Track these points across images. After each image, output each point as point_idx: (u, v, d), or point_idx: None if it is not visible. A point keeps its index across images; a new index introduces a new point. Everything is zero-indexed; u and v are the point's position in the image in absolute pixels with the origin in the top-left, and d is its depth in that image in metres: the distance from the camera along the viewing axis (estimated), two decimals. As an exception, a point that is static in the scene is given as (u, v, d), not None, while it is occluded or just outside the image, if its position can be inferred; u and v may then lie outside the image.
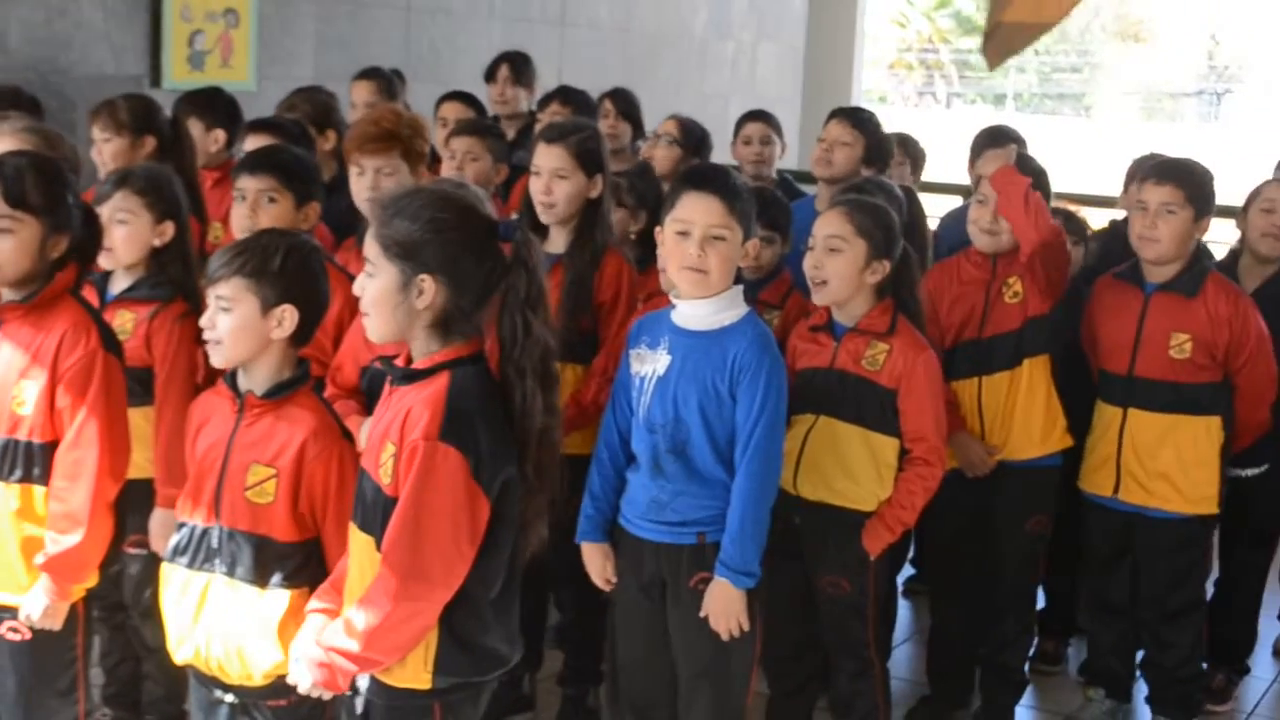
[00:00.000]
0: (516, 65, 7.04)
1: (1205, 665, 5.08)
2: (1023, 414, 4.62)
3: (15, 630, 3.53)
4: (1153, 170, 4.73)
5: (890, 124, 6.60)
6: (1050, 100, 48.33)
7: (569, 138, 4.47)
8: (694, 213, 3.63)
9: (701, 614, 3.66)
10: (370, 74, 6.75)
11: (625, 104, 6.64)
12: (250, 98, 6.67)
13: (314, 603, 3.15)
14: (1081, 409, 4.73)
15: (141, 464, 3.91)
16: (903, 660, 5.43)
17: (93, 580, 3.59)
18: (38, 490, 3.51)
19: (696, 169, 4.11)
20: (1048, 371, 4.63)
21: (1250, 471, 5.00)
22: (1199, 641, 4.86)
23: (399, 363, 3.06)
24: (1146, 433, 4.65)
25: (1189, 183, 4.63)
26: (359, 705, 3.08)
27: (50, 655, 3.58)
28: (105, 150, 5.02)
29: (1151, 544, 4.75)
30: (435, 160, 5.42)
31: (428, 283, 2.96)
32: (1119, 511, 4.75)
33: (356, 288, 3.04)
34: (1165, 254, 4.62)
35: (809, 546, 4.16)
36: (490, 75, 7.07)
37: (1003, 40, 7.05)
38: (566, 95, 6.49)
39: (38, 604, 3.48)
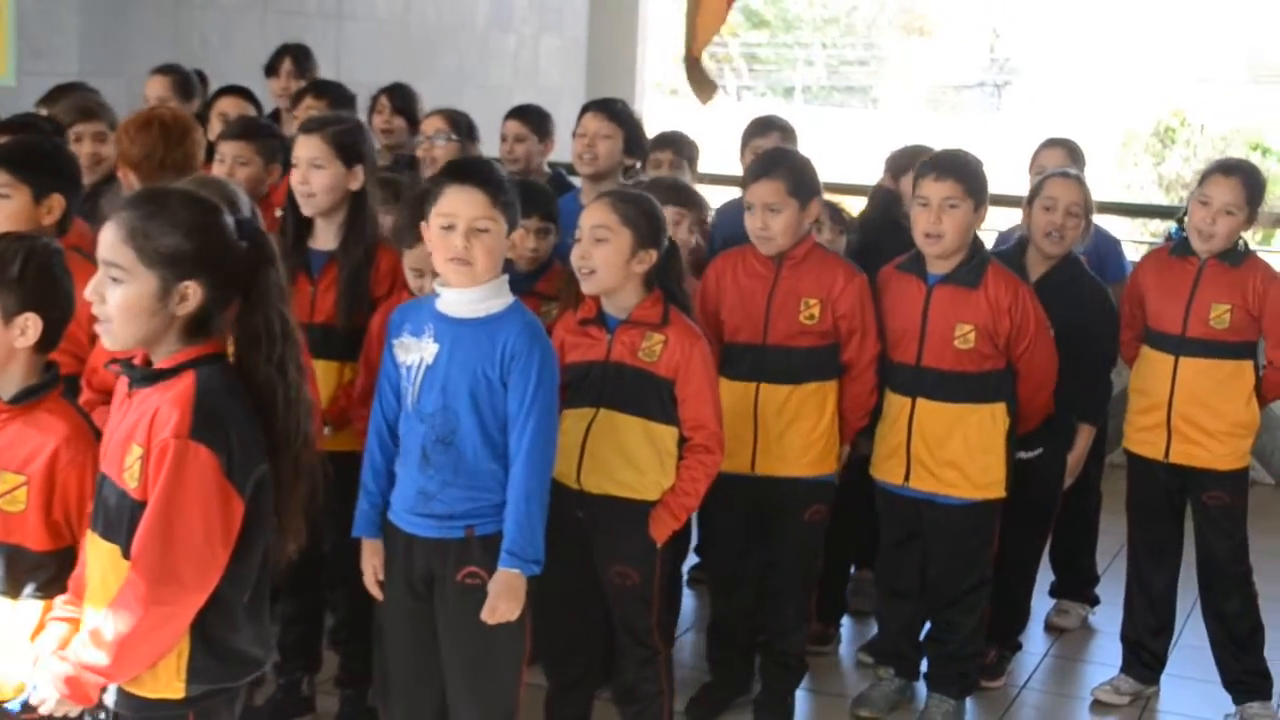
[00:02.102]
0: (298, 58, 6.94)
1: (980, 643, 5.19)
2: (801, 434, 4.67)
3: None
4: (930, 166, 4.75)
5: (681, 117, 6.61)
6: (839, 93, 49.01)
7: (326, 128, 4.45)
8: (458, 205, 3.63)
9: (486, 606, 3.61)
10: (166, 70, 6.55)
11: (401, 100, 6.53)
12: (10, 94, 6.45)
13: (56, 610, 3.04)
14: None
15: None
16: (686, 648, 5.45)
17: None
18: None
19: (458, 162, 4.12)
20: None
21: (1027, 454, 5.10)
22: (982, 622, 4.96)
23: (138, 363, 2.96)
24: (935, 422, 4.73)
25: (967, 175, 4.70)
26: None
27: None
28: None
29: (941, 529, 4.84)
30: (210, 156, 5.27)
31: (191, 289, 2.87)
32: (909, 498, 4.83)
33: (90, 293, 2.90)
34: (950, 248, 4.69)
35: (595, 540, 4.16)
36: (272, 69, 6.93)
37: (700, 72, 7.40)
38: (320, 89, 6.34)
39: None
